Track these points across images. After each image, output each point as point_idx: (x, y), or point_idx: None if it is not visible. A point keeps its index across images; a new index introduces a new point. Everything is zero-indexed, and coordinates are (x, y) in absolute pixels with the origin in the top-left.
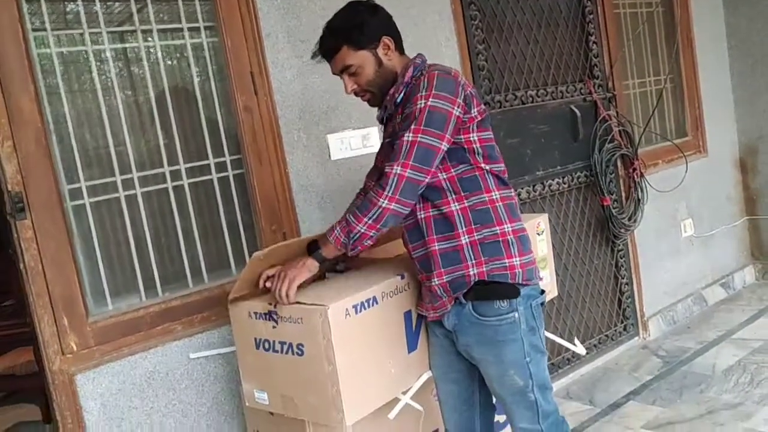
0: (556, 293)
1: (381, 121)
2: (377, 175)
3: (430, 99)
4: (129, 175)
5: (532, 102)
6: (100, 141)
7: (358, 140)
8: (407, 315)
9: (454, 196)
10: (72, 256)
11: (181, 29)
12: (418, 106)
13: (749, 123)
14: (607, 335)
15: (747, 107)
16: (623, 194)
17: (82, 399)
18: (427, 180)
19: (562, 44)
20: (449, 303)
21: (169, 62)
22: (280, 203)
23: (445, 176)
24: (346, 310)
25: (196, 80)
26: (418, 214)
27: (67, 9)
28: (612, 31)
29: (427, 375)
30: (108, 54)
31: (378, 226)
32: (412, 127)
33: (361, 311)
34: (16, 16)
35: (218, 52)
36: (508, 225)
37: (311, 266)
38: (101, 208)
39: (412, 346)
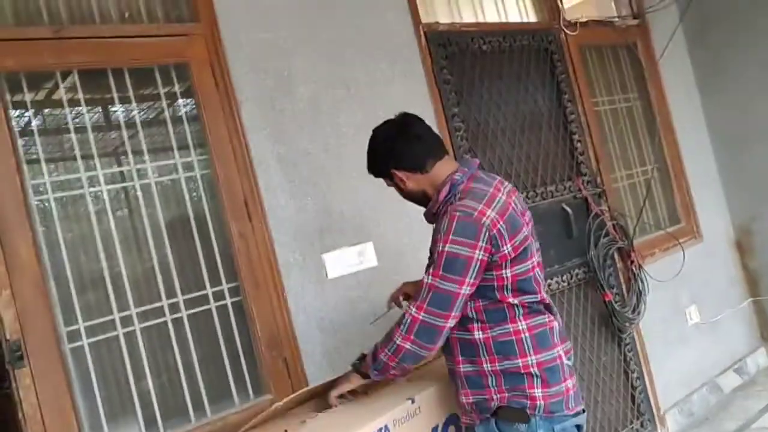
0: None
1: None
2: None
3: (448, 244)
4: (127, 312)
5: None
6: (98, 281)
7: (354, 257)
8: None
9: (479, 325)
10: (70, 398)
11: (175, 164)
12: (438, 249)
13: (740, 204)
14: None
15: (735, 189)
16: (624, 287)
17: None
18: (448, 324)
19: (548, 145)
20: (477, 419)
21: (164, 197)
22: (279, 328)
23: (471, 305)
24: None
25: (190, 211)
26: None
27: (64, 153)
28: (594, 128)
29: None
30: (105, 195)
31: (397, 360)
32: (431, 270)
33: None
34: (14, 166)
35: (211, 182)
36: (533, 357)
37: (354, 380)
38: (100, 348)
39: None
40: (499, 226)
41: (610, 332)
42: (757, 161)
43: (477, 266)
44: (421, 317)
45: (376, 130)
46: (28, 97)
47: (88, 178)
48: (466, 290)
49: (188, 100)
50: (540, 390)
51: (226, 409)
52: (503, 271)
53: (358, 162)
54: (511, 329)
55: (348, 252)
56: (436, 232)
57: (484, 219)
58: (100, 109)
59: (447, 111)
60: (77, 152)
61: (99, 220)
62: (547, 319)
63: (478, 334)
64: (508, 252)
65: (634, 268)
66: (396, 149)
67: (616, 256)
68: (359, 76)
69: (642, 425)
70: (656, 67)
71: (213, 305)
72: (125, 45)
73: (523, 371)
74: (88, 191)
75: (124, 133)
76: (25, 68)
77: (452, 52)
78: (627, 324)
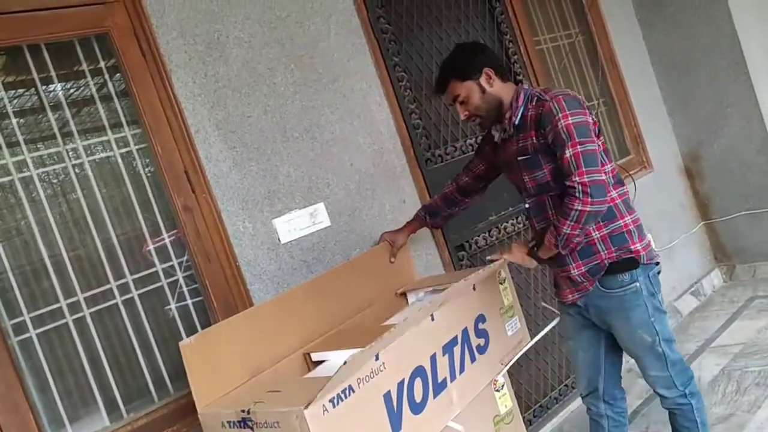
0: (528, 339)
1: (496, 144)
2: (467, 172)
3: (570, 118)
4: (75, 298)
5: (472, 149)
6: (39, 270)
7: (306, 219)
8: (387, 397)
9: None
10: (24, 394)
11: (108, 141)
12: (560, 127)
13: (686, 131)
14: None
15: (681, 116)
16: None
17: None
18: (605, 177)
19: None
20: (590, 285)
21: (101, 177)
22: (236, 297)
23: None
24: (323, 406)
25: (130, 189)
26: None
27: None
28: (538, 66)
29: None
30: (35, 178)
31: (580, 226)
32: (568, 143)
33: (338, 404)
34: None
35: (149, 156)
36: (628, 217)
37: (528, 262)
38: (50, 338)
39: (396, 427)
40: (584, 102)
41: None
42: (701, 88)
43: (593, 128)
44: (587, 179)
45: (461, 42)
46: None
47: (16, 163)
48: (599, 147)
49: (116, 75)
50: (639, 243)
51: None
52: (597, 141)
53: (300, 122)
54: (608, 198)
55: (299, 215)
56: (532, 129)
57: (577, 95)
58: (21, 91)
59: (387, 60)
60: (1, 140)
61: (33, 206)
62: (626, 189)
63: None
64: (596, 122)
65: None
66: (488, 50)
67: None
68: (293, 33)
69: None
70: (595, 0)
71: (164, 282)
72: (38, 18)
73: (624, 229)
74: (17, 177)
75: (51, 116)
76: None
77: (387, 0)
78: None
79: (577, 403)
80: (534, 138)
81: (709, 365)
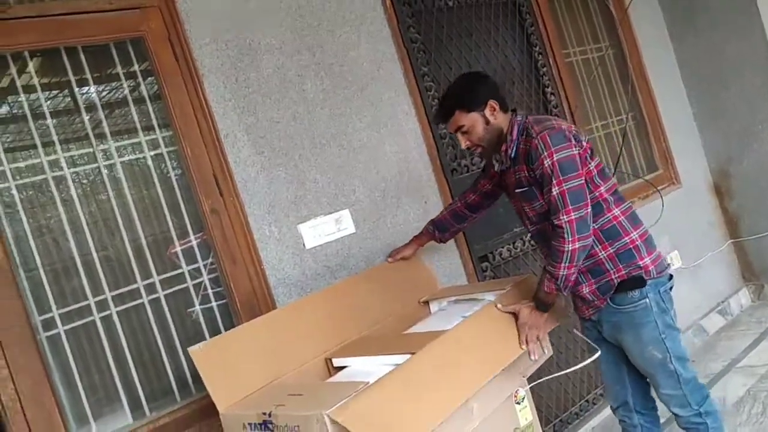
0: (551, 352)
1: (498, 172)
2: (475, 190)
3: (554, 156)
4: (102, 296)
5: None
6: (70, 266)
7: (331, 225)
8: None
9: None
10: (51, 388)
11: (140, 143)
12: (546, 166)
13: (716, 147)
14: None
15: (711, 133)
16: None
17: None
18: (589, 210)
19: (520, 100)
20: (601, 303)
21: (131, 177)
22: (260, 301)
23: None
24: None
25: (160, 190)
26: None
27: (24, 140)
28: (567, 79)
29: None
30: (68, 178)
31: (574, 264)
32: (553, 182)
33: None
34: None
35: (179, 159)
36: (634, 233)
37: (544, 320)
38: (77, 334)
39: None
40: (573, 129)
41: None
42: (732, 103)
43: (579, 159)
44: (573, 217)
45: (466, 72)
46: None
47: (50, 162)
48: (584, 180)
49: (149, 78)
50: (647, 258)
51: None
52: (589, 165)
53: (328, 129)
54: (610, 217)
55: (324, 221)
56: (523, 163)
57: (562, 126)
58: (57, 92)
59: (417, 71)
60: (36, 139)
61: (65, 204)
62: (629, 204)
63: None
64: (585, 147)
65: None
66: (492, 81)
67: None
68: (324, 41)
69: None
70: (626, 14)
71: (190, 283)
72: (76, 22)
73: (630, 246)
74: (50, 176)
75: (85, 116)
76: None
77: (418, 10)
78: None
79: (599, 418)
80: (526, 172)
81: (735, 386)
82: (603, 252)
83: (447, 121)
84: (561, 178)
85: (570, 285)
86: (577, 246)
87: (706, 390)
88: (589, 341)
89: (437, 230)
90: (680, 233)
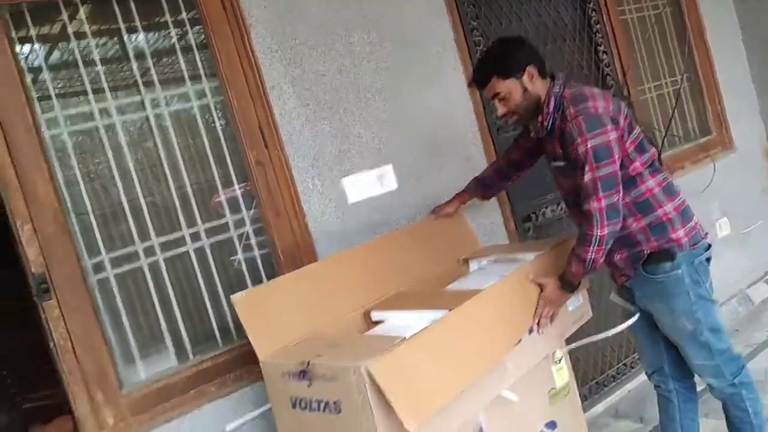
0: (590, 314)
1: (535, 140)
2: (517, 147)
3: (588, 142)
4: (150, 243)
5: None
6: (118, 212)
7: (374, 180)
8: None
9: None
10: (100, 329)
11: (187, 93)
12: (580, 152)
13: None
14: None
15: None
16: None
17: None
18: (620, 196)
19: (572, 58)
20: (632, 272)
21: (178, 127)
22: (302, 253)
23: None
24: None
25: (206, 140)
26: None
27: (75, 87)
28: (621, 38)
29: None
30: (118, 125)
31: (603, 248)
32: (586, 168)
33: None
34: (24, 103)
35: (225, 109)
36: (668, 205)
37: (568, 299)
38: (125, 279)
39: None
40: (610, 108)
41: None
42: None
43: (616, 144)
44: (604, 204)
45: (503, 37)
46: (33, 32)
47: (100, 110)
48: (617, 166)
49: (197, 27)
50: (681, 230)
51: None
52: (626, 142)
53: (374, 82)
54: (644, 189)
55: (367, 176)
56: (558, 140)
57: (599, 107)
58: (107, 39)
59: (465, 25)
60: (87, 86)
61: (114, 152)
62: (665, 175)
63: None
64: (624, 125)
65: None
66: (530, 47)
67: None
68: None
69: None
70: None
71: (234, 233)
72: None
73: (663, 219)
74: (101, 123)
75: (134, 65)
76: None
77: None
78: None
79: (635, 383)
80: (561, 149)
81: None
82: (635, 224)
83: (483, 88)
84: (594, 164)
85: (597, 267)
86: (606, 232)
87: (742, 360)
88: (625, 305)
89: (481, 187)
90: (731, 199)
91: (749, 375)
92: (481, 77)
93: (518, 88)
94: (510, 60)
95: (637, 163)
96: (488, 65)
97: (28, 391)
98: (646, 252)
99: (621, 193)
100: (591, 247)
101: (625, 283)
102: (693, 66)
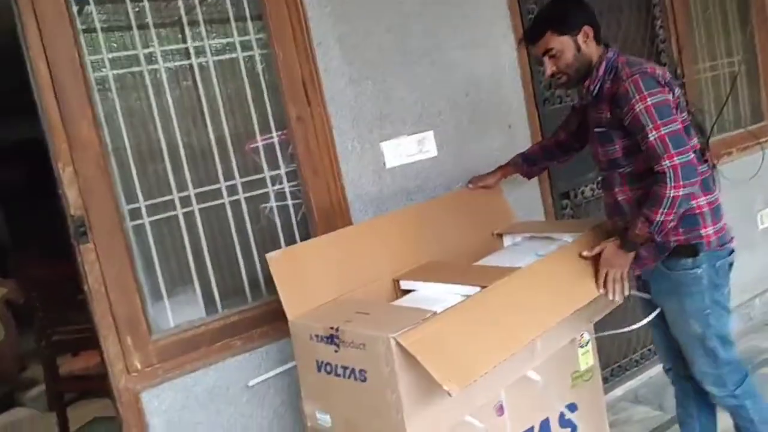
0: (621, 300)
1: (578, 108)
2: (566, 127)
3: (648, 99)
4: (186, 192)
5: None
6: (158, 160)
7: (414, 146)
8: None
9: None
10: (133, 276)
11: (233, 42)
12: (638, 110)
13: None
14: None
15: None
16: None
17: (148, 416)
18: (693, 156)
19: (627, 30)
20: (652, 263)
21: (222, 76)
22: (336, 214)
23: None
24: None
25: (249, 93)
26: (625, 194)
27: (122, 33)
28: (680, 13)
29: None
30: (163, 73)
31: (674, 212)
32: (649, 126)
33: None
34: (72, 44)
35: (270, 62)
36: (703, 198)
37: (631, 258)
38: (160, 227)
39: None
40: (668, 76)
41: None
42: None
43: (674, 106)
44: (678, 162)
45: None
46: None
47: (146, 55)
48: (680, 126)
49: None
50: (711, 227)
51: None
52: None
53: (421, 44)
54: (699, 177)
55: (407, 141)
56: (608, 103)
57: (656, 71)
58: None
59: None
60: (133, 21)
61: (158, 100)
62: (708, 167)
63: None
64: (678, 96)
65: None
66: (590, 8)
67: None
68: None
69: None
70: None
71: (271, 189)
72: None
73: (696, 211)
74: (146, 69)
75: (181, 3)
76: None
77: None
78: None
79: (657, 369)
80: (608, 113)
81: None
82: None
83: (536, 42)
84: (659, 122)
85: (664, 232)
86: (681, 193)
87: (744, 370)
88: (644, 296)
89: (525, 163)
90: None
91: (752, 385)
92: (535, 30)
93: (572, 47)
94: (568, 16)
95: (692, 142)
96: (545, 20)
97: (57, 324)
98: (673, 243)
99: (693, 154)
100: (661, 209)
101: (641, 275)
102: (752, 49)
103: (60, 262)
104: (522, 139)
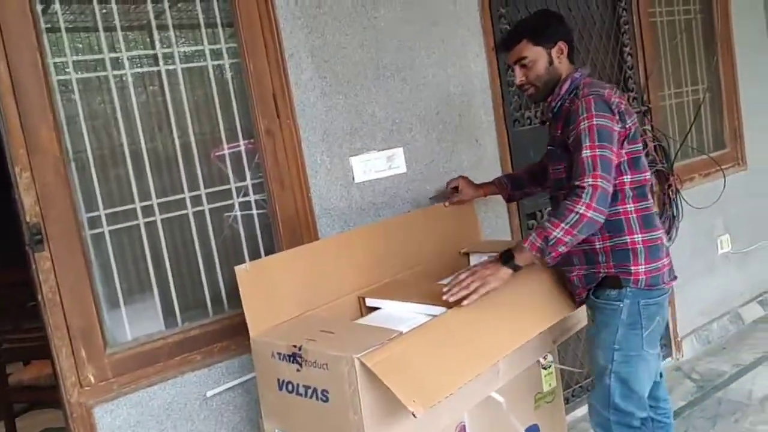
0: (585, 322)
1: (543, 123)
2: (542, 161)
3: (594, 119)
4: (149, 202)
5: None
6: (120, 167)
7: (383, 162)
8: None
9: None
10: (90, 286)
11: (203, 51)
12: (582, 127)
13: None
14: None
15: None
16: (658, 211)
17: None
18: (612, 189)
19: (596, 56)
20: (584, 292)
21: (190, 86)
22: (302, 228)
23: None
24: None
25: (217, 103)
26: None
27: (88, 35)
28: (648, 41)
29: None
30: (129, 78)
31: (574, 232)
32: (586, 144)
33: None
34: (35, 45)
35: (240, 74)
36: (639, 235)
37: (504, 276)
38: (121, 236)
39: None
40: (623, 106)
41: None
42: None
43: (617, 136)
44: (599, 183)
45: (543, 9)
46: None
47: (112, 59)
48: (615, 158)
49: None
50: (643, 266)
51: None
52: (623, 149)
53: (394, 61)
54: (621, 210)
55: (377, 156)
56: (561, 122)
57: (612, 98)
58: None
59: (493, 10)
60: (99, 23)
61: (123, 106)
62: (650, 204)
63: None
64: (629, 128)
65: (671, 193)
66: (567, 25)
67: (653, 179)
68: None
69: None
70: None
71: (236, 201)
72: None
73: (629, 247)
74: (111, 74)
75: (150, 7)
76: None
77: None
78: None
79: None
80: (560, 131)
81: (764, 379)
82: (600, 242)
83: (511, 49)
84: (597, 143)
85: (554, 255)
86: (589, 214)
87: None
88: (570, 369)
89: (510, 184)
90: (736, 217)
91: None
92: (512, 37)
93: (545, 59)
94: (547, 28)
95: (625, 178)
96: (524, 27)
97: (8, 331)
98: (602, 274)
99: (612, 188)
100: (563, 224)
101: (587, 306)
102: (717, 77)
103: (12, 268)
104: (491, 159)
